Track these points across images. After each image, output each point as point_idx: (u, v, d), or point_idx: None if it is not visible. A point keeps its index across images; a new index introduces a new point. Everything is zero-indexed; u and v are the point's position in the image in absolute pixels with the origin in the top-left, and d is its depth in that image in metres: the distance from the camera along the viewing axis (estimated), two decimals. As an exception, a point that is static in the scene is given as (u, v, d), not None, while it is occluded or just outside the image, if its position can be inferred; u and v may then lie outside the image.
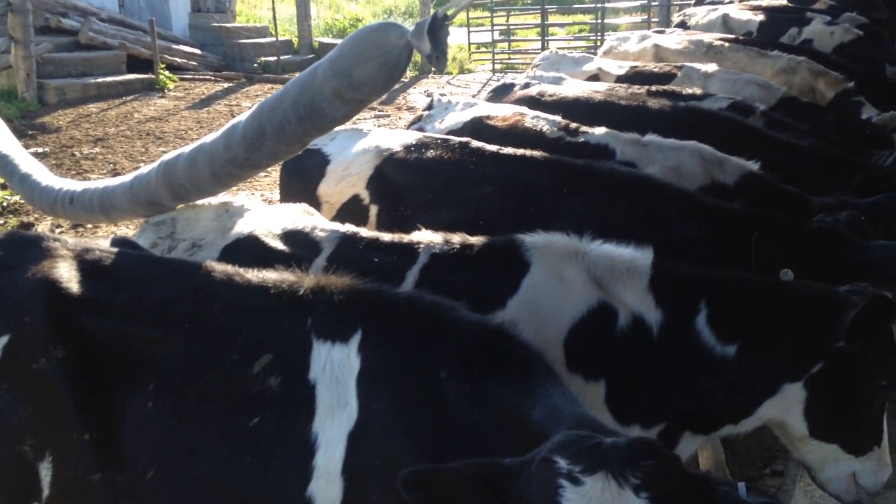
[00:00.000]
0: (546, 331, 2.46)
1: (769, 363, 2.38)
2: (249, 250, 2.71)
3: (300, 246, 2.75)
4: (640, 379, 2.42)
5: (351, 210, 3.65)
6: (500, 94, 5.35)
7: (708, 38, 6.89)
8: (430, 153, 3.71)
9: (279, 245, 2.75)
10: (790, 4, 9.06)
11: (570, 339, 2.46)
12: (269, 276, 2.31)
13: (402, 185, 3.66)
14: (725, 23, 8.41)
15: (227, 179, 2.71)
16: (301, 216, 2.94)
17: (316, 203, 3.67)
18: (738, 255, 3.05)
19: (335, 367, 2.06)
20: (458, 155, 3.68)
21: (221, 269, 2.36)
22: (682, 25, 8.77)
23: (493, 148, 3.70)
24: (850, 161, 4.07)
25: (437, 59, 2.00)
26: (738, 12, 8.59)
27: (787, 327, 2.38)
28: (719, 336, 2.40)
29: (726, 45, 6.59)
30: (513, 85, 5.38)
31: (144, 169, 3.05)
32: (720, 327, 2.41)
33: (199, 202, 3.01)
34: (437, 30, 1.96)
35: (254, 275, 2.31)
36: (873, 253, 2.97)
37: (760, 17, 8.32)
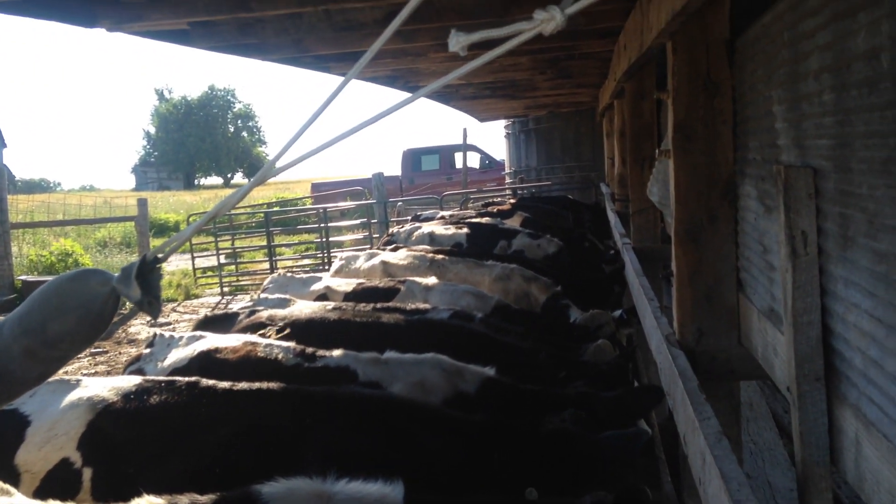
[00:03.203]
0: None
1: None
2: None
3: (-15, 543, 2.22)
4: None
5: (59, 478, 3.10)
6: (224, 323, 5.08)
7: (430, 252, 7.31)
8: (154, 399, 3.35)
9: (-45, 547, 2.20)
10: (488, 221, 9.83)
11: None
12: None
13: (122, 440, 3.21)
14: (433, 240, 8.88)
15: None
16: (-13, 502, 2.40)
17: (15, 475, 3.07)
18: (486, 468, 3.04)
19: None
20: (186, 397, 3.36)
21: None
22: (390, 244, 8.83)
23: (225, 385, 3.43)
24: (566, 358, 4.40)
25: (149, 305, 1.79)
26: (442, 229, 9.14)
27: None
28: None
29: (447, 258, 7.04)
30: (236, 314, 5.18)
31: None
32: None
33: None
34: (147, 273, 1.77)
35: None
36: (602, 445, 3.08)
37: (465, 230, 9.01)
